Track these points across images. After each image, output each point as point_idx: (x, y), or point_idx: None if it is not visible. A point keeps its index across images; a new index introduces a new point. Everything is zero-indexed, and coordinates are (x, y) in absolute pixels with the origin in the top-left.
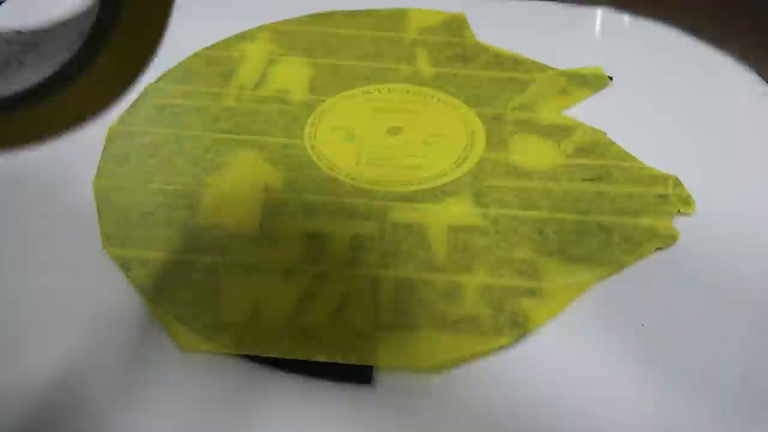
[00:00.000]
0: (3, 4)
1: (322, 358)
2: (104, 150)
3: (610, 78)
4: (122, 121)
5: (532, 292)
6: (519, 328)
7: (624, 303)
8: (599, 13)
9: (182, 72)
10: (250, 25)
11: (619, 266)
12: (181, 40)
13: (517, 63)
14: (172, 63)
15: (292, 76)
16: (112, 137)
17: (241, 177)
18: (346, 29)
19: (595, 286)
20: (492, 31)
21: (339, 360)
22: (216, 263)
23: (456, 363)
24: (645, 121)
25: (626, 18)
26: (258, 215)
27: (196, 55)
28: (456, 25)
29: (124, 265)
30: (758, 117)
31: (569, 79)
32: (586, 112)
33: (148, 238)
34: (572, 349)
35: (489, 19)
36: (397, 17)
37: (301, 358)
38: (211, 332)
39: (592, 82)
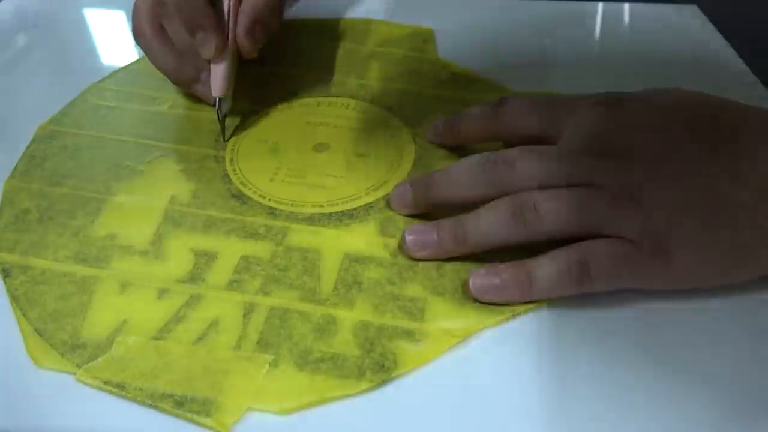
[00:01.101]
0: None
1: (166, 407)
2: (26, 150)
3: None
4: (53, 120)
5: (410, 334)
6: (383, 372)
7: (511, 352)
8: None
9: (127, 73)
10: None
11: (513, 313)
12: (136, 47)
13: (471, 82)
14: (121, 64)
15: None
16: (38, 137)
17: (150, 187)
18: (304, 38)
19: (484, 331)
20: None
21: (182, 410)
22: (94, 277)
23: (304, 407)
24: None
25: (626, 12)
26: (153, 228)
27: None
28: (420, 39)
29: (5, 271)
30: None
31: None
32: None
33: (38, 245)
34: (441, 399)
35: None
36: (360, 28)
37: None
38: (66, 349)
39: None
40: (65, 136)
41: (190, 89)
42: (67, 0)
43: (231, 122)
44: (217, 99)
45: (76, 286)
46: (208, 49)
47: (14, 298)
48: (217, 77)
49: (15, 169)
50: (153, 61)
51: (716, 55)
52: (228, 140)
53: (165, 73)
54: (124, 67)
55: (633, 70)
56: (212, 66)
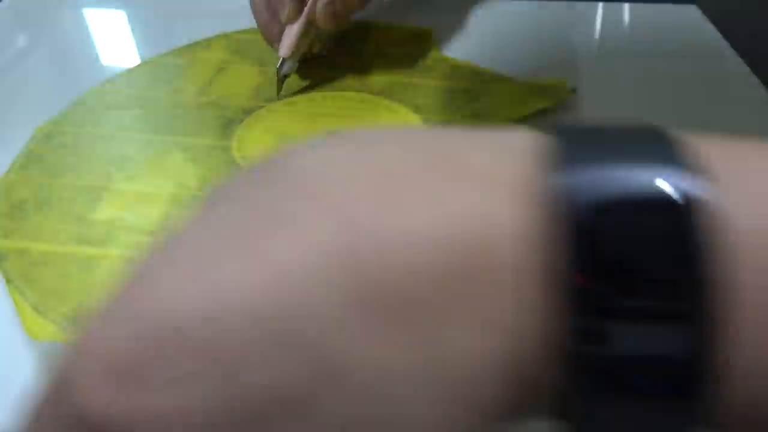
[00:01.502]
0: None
1: None
2: (24, 148)
3: (573, 90)
4: (52, 122)
5: None
6: None
7: None
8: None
9: (127, 76)
10: (208, 33)
11: None
12: (136, 47)
13: (475, 74)
14: (121, 66)
15: (237, 83)
16: (37, 137)
17: (155, 174)
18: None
19: None
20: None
21: None
22: (99, 255)
23: None
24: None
25: (626, 12)
26: (160, 211)
27: (146, 62)
28: (420, 39)
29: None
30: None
31: (528, 89)
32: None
33: (37, 229)
34: None
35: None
36: (360, 28)
37: None
38: (67, 322)
39: (551, 92)
40: (65, 135)
41: (273, 47)
42: (67, 0)
43: (237, 118)
44: (281, 58)
45: (78, 265)
46: (283, 12)
47: (9, 281)
48: (287, 39)
49: (12, 164)
50: (253, 13)
51: (716, 55)
52: (280, 96)
53: (258, 27)
54: (125, 70)
55: (633, 70)
56: (287, 28)
